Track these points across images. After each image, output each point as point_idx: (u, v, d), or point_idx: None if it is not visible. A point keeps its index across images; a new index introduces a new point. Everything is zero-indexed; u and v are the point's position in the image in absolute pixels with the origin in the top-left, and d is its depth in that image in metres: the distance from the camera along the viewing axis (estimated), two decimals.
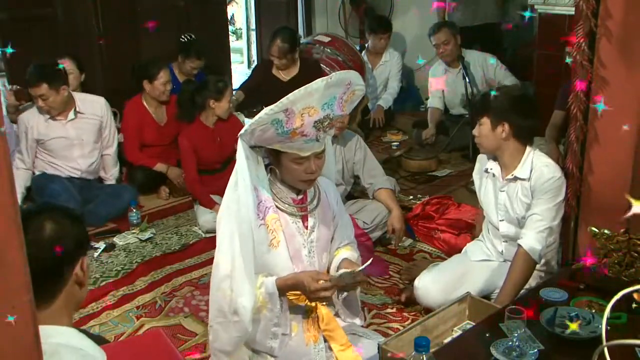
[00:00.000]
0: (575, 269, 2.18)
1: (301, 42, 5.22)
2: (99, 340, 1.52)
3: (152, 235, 3.67)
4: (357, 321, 2.32)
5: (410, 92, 6.12)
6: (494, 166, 2.66)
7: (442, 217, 3.56)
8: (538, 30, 4.83)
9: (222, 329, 2.11)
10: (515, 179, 2.57)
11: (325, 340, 2.19)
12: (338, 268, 2.22)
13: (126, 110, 4.24)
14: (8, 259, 0.94)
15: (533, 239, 2.46)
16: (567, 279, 2.13)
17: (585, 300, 1.99)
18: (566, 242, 2.49)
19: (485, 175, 2.72)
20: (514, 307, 1.83)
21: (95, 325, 2.81)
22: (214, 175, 3.84)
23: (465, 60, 4.61)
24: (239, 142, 2.00)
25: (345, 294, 2.25)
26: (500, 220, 2.68)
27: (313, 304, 2.16)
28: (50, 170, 3.89)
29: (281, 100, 1.86)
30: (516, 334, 1.74)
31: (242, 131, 1.98)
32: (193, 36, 4.79)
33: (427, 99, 5.35)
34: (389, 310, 2.88)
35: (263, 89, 4.96)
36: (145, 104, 4.24)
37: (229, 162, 3.83)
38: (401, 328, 2.48)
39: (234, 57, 6.74)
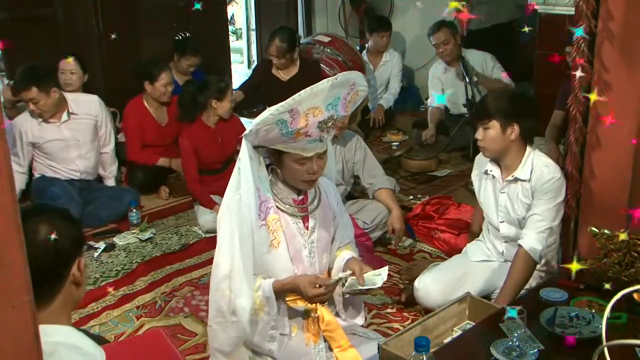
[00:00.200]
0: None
1: (301, 42, 5.22)
2: (99, 340, 1.52)
3: (152, 235, 3.67)
4: (359, 321, 2.33)
5: (410, 92, 6.12)
6: (493, 168, 2.65)
7: (442, 217, 3.56)
8: (538, 30, 4.83)
9: (221, 329, 2.11)
10: (516, 180, 2.57)
11: (325, 340, 2.19)
12: (344, 268, 2.22)
13: (127, 110, 4.23)
14: (8, 259, 0.94)
15: (533, 240, 2.46)
16: (567, 279, 2.12)
17: (585, 300, 1.99)
18: (566, 242, 2.49)
19: (485, 177, 2.72)
20: (514, 307, 1.83)
21: (95, 325, 2.81)
22: (214, 176, 3.84)
23: (465, 60, 4.61)
24: (243, 142, 2.00)
25: (348, 295, 2.25)
26: (501, 222, 2.67)
27: (313, 305, 2.16)
28: (49, 173, 3.87)
29: (287, 100, 1.87)
30: (516, 334, 1.74)
31: (246, 131, 1.98)
32: (187, 34, 4.80)
33: (427, 98, 5.35)
34: (389, 310, 2.88)
35: (263, 89, 4.97)
36: (146, 104, 4.23)
37: (230, 162, 3.83)
38: (401, 328, 2.48)
39: (234, 57, 6.74)
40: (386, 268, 2.17)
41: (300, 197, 2.19)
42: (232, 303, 2.04)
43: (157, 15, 5.28)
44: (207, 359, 2.45)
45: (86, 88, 4.32)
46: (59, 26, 4.87)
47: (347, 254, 2.29)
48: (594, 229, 2.06)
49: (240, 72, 6.86)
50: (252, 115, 5.04)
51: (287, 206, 2.16)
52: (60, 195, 3.68)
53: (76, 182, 3.92)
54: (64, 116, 3.82)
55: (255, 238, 2.06)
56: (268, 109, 1.92)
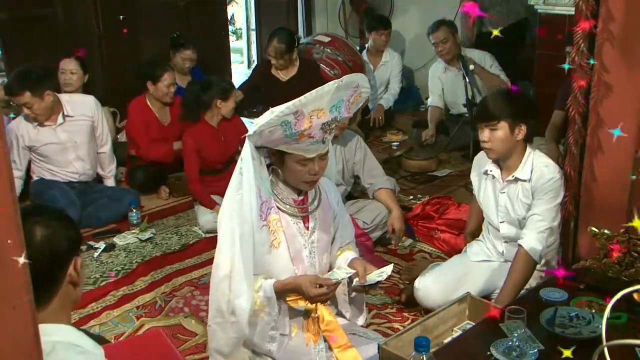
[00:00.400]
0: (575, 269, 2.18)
1: (301, 42, 5.22)
2: (99, 340, 1.52)
3: (152, 235, 3.67)
4: (359, 320, 2.33)
5: (410, 92, 6.12)
6: (493, 168, 2.65)
7: (442, 217, 3.56)
8: (538, 30, 4.82)
9: (220, 329, 2.11)
10: (516, 180, 2.57)
11: (325, 340, 2.19)
12: (346, 267, 2.22)
13: (130, 108, 4.23)
14: (8, 259, 0.94)
15: (534, 240, 2.46)
16: (567, 279, 2.12)
17: (585, 300, 1.99)
18: (566, 242, 2.49)
19: (484, 177, 2.72)
20: (514, 307, 1.83)
21: (95, 325, 2.81)
22: (215, 176, 3.83)
23: (464, 58, 4.61)
24: (247, 142, 2.00)
25: (354, 292, 2.25)
26: (501, 222, 2.67)
27: (313, 305, 2.16)
28: (48, 176, 3.85)
29: (292, 102, 1.87)
30: (516, 334, 1.74)
31: (250, 132, 1.97)
32: (179, 33, 4.81)
33: (427, 98, 5.35)
34: (389, 310, 2.88)
35: (262, 89, 4.97)
36: (149, 103, 4.23)
37: (231, 162, 3.83)
38: (401, 328, 2.48)
39: (234, 57, 6.75)
40: (391, 265, 2.18)
41: (301, 198, 2.20)
42: (231, 303, 2.04)
43: (157, 15, 5.29)
44: (207, 359, 2.45)
45: (86, 88, 4.32)
46: (59, 26, 4.88)
47: (349, 254, 2.29)
48: (594, 229, 2.06)
49: (240, 72, 6.86)
50: (252, 115, 5.03)
51: (288, 206, 2.16)
52: (59, 199, 3.66)
53: (75, 184, 3.90)
54: (59, 119, 3.78)
55: (257, 238, 2.06)
56: (271, 110, 1.92)
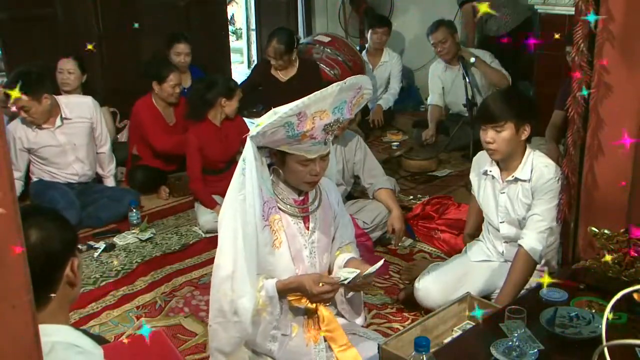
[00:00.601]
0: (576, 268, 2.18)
1: (301, 42, 5.22)
2: (98, 340, 1.52)
3: (152, 235, 3.67)
4: (359, 320, 2.33)
5: (410, 92, 6.12)
6: (493, 168, 2.65)
7: (442, 217, 3.56)
8: (538, 30, 4.82)
9: (222, 329, 2.11)
10: (516, 180, 2.57)
11: (326, 341, 2.19)
12: (345, 267, 2.22)
13: (137, 106, 4.23)
14: (8, 259, 0.94)
15: (534, 240, 2.46)
16: (567, 279, 2.12)
17: (585, 300, 1.98)
18: (566, 242, 2.48)
19: (484, 178, 2.72)
20: (514, 307, 1.83)
21: (95, 325, 2.81)
22: (217, 176, 3.83)
23: (464, 59, 4.61)
24: (248, 142, 2.00)
25: (351, 293, 2.25)
26: (501, 222, 2.67)
27: (314, 305, 2.16)
28: (47, 178, 3.84)
29: (295, 103, 1.87)
30: (516, 334, 1.74)
31: (253, 132, 1.97)
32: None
33: (426, 98, 5.35)
34: (389, 310, 2.88)
35: (262, 89, 4.97)
36: (155, 103, 4.24)
37: (233, 162, 3.83)
38: (401, 328, 2.48)
39: (234, 57, 6.75)
40: (382, 261, 2.14)
41: (301, 198, 2.20)
42: (234, 303, 2.04)
43: (157, 15, 5.29)
44: (207, 359, 2.45)
45: (85, 88, 4.32)
46: (59, 26, 4.88)
47: (346, 255, 2.29)
48: (594, 229, 2.06)
49: (240, 72, 6.86)
50: (252, 114, 5.04)
51: (288, 206, 2.16)
52: (59, 200, 3.65)
53: (75, 185, 3.90)
54: (58, 121, 3.76)
55: (259, 239, 2.06)
56: (274, 110, 1.93)
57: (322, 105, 1.92)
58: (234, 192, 2.04)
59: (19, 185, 3.81)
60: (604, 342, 1.30)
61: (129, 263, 3.38)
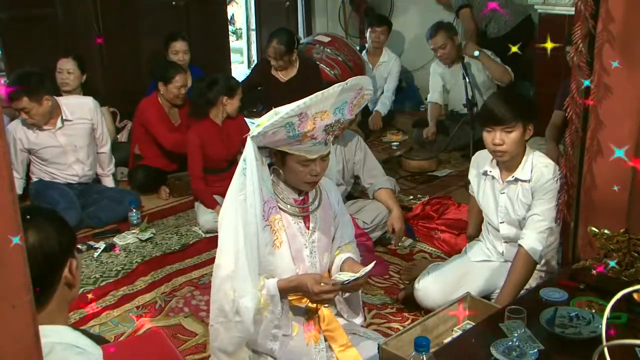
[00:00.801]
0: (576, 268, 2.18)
1: (301, 42, 5.22)
2: (98, 340, 1.52)
3: (152, 235, 3.67)
4: (358, 320, 2.33)
5: (410, 92, 6.12)
6: (492, 168, 2.65)
7: (442, 217, 3.56)
8: (538, 30, 4.82)
9: (224, 329, 2.11)
10: (516, 180, 2.57)
11: (326, 340, 2.19)
12: (341, 268, 2.22)
13: (143, 105, 4.24)
14: (8, 259, 0.94)
15: (534, 240, 2.46)
16: (567, 279, 2.13)
17: (585, 300, 1.98)
18: (566, 242, 2.49)
19: (484, 178, 2.72)
20: (514, 307, 1.83)
21: (95, 325, 2.81)
22: (218, 176, 3.82)
23: (465, 60, 4.61)
24: (249, 142, 2.00)
25: (347, 293, 2.25)
26: (501, 222, 2.67)
27: (314, 305, 2.16)
28: (47, 178, 3.83)
29: (297, 104, 1.87)
30: (516, 334, 1.74)
31: (254, 133, 1.97)
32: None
33: (426, 98, 5.35)
34: (389, 310, 2.88)
35: (262, 89, 4.97)
36: (160, 102, 4.24)
37: (234, 162, 3.82)
38: (401, 328, 2.48)
39: (234, 57, 6.75)
40: (372, 264, 2.12)
41: (301, 197, 2.20)
42: (235, 303, 2.04)
43: (157, 15, 5.29)
44: (207, 358, 2.45)
45: (85, 88, 4.32)
46: (59, 26, 4.88)
47: (344, 255, 2.29)
48: (594, 229, 2.06)
49: (240, 72, 6.85)
50: (252, 114, 5.04)
51: (288, 206, 2.16)
52: (59, 201, 3.64)
53: (75, 185, 3.89)
54: (58, 123, 3.75)
55: (260, 239, 2.06)
56: (275, 111, 1.92)
57: (324, 106, 1.92)
58: (235, 192, 2.04)
59: (19, 185, 3.81)
60: (604, 342, 1.30)
61: (129, 263, 3.38)
